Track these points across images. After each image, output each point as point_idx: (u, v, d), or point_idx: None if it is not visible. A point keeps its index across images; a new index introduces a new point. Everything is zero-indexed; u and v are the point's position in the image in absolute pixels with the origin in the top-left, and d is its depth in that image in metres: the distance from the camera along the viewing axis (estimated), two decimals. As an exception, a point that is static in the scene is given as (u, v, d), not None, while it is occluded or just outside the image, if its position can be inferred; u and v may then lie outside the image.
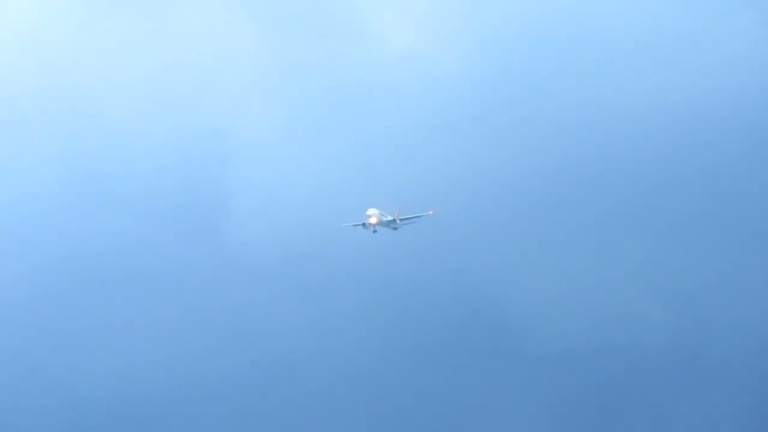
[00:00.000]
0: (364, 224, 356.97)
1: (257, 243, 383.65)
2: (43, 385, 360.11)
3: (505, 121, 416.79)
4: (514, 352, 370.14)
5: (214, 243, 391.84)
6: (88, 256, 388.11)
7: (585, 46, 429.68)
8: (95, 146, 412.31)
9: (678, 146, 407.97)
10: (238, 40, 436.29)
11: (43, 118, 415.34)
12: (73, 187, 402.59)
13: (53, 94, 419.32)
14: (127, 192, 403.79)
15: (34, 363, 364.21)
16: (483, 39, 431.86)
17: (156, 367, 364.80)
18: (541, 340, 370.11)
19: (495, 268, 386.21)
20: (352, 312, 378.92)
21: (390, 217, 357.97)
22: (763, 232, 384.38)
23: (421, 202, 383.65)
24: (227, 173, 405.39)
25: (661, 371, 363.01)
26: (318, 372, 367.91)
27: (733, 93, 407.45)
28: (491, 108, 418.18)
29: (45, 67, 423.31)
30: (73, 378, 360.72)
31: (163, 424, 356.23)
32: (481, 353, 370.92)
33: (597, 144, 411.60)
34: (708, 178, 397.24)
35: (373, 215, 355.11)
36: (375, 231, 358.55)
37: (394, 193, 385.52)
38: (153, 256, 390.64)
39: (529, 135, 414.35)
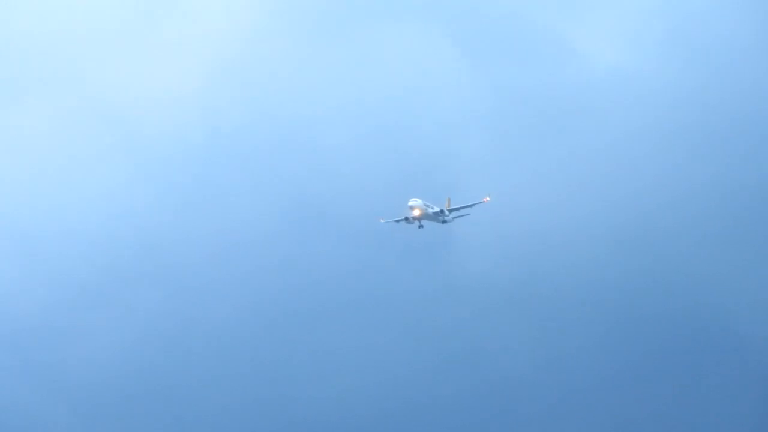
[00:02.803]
0: (407, 218, 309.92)
1: (478, 265, 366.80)
2: (265, 413, 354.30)
3: (717, 132, 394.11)
4: (741, 366, 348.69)
5: (435, 266, 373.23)
6: (308, 284, 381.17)
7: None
8: (312, 175, 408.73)
9: None
10: (447, 66, 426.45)
11: (261, 148, 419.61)
12: (292, 215, 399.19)
13: (269, 125, 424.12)
14: (344, 219, 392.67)
15: (257, 391, 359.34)
16: (689, 53, 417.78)
17: (378, 391, 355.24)
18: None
19: (718, 280, 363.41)
20: (573, 330, 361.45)
21: (436, 208, 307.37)
22: None
23: (640, 218, 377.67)
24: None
25: None
26: (541, 393, 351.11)
27: None
28: (702, 120, 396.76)
29: (261, 99, 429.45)
30: (295, 405, 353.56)
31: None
32: (706, 367, 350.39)
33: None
34: None
35: (416, 207, 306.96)
36: (421, 226, 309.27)
37: (605, 211, 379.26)
38: (371, 282, 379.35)
39: (743, 145, 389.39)
